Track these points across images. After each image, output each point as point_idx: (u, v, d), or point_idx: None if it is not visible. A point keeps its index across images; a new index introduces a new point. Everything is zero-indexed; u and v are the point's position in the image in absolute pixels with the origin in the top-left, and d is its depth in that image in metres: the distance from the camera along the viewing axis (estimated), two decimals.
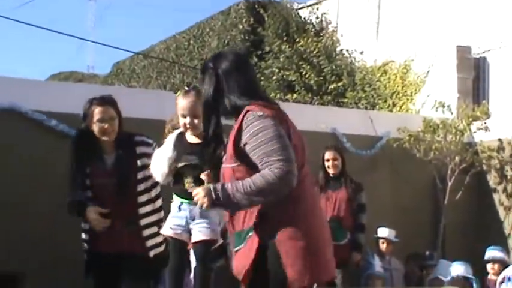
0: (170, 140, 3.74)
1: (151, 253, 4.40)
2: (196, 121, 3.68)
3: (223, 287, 5.18)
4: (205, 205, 2.91)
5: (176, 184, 3.74)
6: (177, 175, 3.73)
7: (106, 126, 4.33)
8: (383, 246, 7.46)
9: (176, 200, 3.77)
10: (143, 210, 4.38)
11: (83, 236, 4.53)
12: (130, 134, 4.51)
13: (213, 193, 2.86)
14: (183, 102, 3.74)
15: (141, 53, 16.79)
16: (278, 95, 11.77)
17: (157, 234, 4.41)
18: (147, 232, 4.38)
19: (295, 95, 11.52)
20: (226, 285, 5.54)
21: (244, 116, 2.88)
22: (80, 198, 4.34)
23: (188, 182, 3.68)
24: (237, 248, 2.98)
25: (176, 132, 3.74)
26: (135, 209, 4.38)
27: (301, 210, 2.91)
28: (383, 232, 7.50)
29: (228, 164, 2.93)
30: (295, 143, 2.94)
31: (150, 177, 4.41)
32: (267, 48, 12.71)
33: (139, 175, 4.42)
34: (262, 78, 12.46)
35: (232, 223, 3.01)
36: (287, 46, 12.14)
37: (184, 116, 3.72)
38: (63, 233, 6.03)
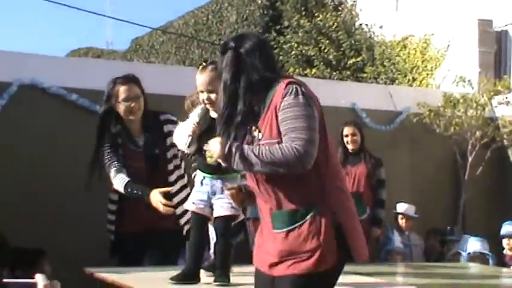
0: (196, 110, 3.73)
1: (186, 228, 4.40)
2: (213, 96, 3.67)
3: (243, 262, 5.22)
4: (215, 155, 2.90)
5: (200, 158, 3.74)
6: (199, 149, 3.73)
7: (132, 104, 4.28)
8: (402, 221, 7.45)
9: (199, 175, 3.78)
10: (174, 188, 4.37)
11: (109, 216, 4.53)
12: (155, 112, 4.48)
13: (227, 147, 2.85)
14: (200, 78, 3.73)
15: (159, 29, 16.78)
16: (297, 70, 11.74)
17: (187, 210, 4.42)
18: (180, 210, 4.38)
19: (314, 70, 11.48)
20: (245, 261, 5.60)
21: (286, 86, 2.83)
22: (137, 190, 4.24)
23: (210, 156, 3.68)
24: (290, 227, 2.87)
25: (203, 105, 3.73)
26: (166, 186, 4.35)
27: (344, 188, 2.93)
28: (402, 208, 7.48)
29: (269, 140, 2.85)
30: (322, 122, 2.93)
31: (177, 155, 4.42)
32: (286, 23, 12.66)
33: (169, 154, 4.42)
34: (280, 53, 12.42)
35: (278, 201, 2.91)
36: (306, 21, 12.08)
37: (201, 92, 3.72)
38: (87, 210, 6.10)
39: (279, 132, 2.83)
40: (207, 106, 3.70)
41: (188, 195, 4.27)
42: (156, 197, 4.12)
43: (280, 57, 12.48)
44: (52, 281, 1.45)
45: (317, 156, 2.79)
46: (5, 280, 1.43)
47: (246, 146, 2.84)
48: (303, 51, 11.90)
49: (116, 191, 4.40)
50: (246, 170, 2.89)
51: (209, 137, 3.66)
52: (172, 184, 4.37)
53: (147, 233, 4.39)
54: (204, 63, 3.81)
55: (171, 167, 4.44)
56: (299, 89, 2.82)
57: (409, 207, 7.47)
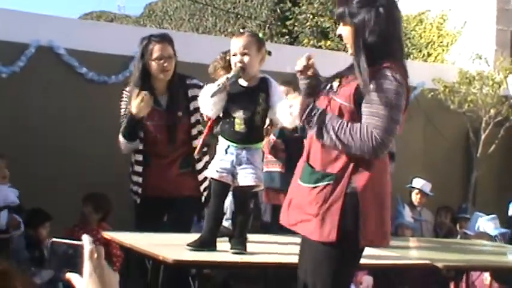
0: (226, 75, 3.72)
1: (205, 194, 4.42)
2: (246, 59, 3.67)
3: (257, 231, 5.26)
4: (294, 113, 2.98)
5: (226, 125, 3.74)
6: (226, 116, 3.73)
7: (165, 64, 4.26)
8: (416, 197, 7.45)
9: (223, 143, 3.78)
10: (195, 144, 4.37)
11: (134, 178, 4.49)
12: (183, 76, 4.47)
13: (309, 108, 2.86)
14: (236, 41, 3.73)
15: None
16: (312, 42, 11.67)
17: (206, 179, 4.44)
18: (201, 176, 4.40)
19: (328, 42, 11.41)
20: (259, 230, 5.63)
21: (381, 70, 2.82)
22: (126, 118, 4.32)
23: (238, 124, 3.69)
24: (306, 184, 2.97)
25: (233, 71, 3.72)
26: (188, 151, 4.37)
27: (383, 171, 2.95)
28: (419, 183, 7.48)
29: (341, 100, 2.88)
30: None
31: (200, 120, 4.42)
32: None
33: (193, 118, 4.41)
34: (295, 24, 12.34)
35: (309, 155, 3.00)
36: None
37: (235, 55, 3.72)
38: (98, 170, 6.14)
39: (354, 102, 2.83)
40: (239, 69, 3.68)
41: (208, 162, 4.31)
42: (133, 103, 4.18)
43: (295, 28, 12.41)
44: (97, 246, 1.46)
45: None
46: (53, 239, 1.45)
47: (330, 115, 2.85)
48: (318, 22, 11.82)
49: (140, 151, 4.41)
50: (318, 136, 2.90)
51: (237, 103, 3.67)
52: (195, 149, 4.37)
53: (169, 198, 4.39)
54: (242, 30, 3.83)
55: (194, 131, 4.44)
56: (395, 76, 2.79)
57: (426, 184, 7.47)
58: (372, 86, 2.78)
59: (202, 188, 4.45)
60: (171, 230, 4.27)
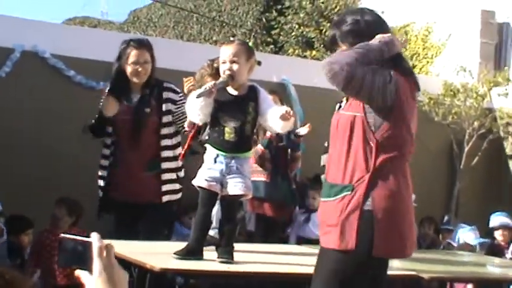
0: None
1: (165, 198, 4.49)
2: (235, 67, 3.65)
3: (242, 240, 5.24)
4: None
5: (215, 134, 3.73)
6: (216, 124, 3.71)
7: (140, 69, 4.43)
8: None
9: (211, 152, 3.76)
10: (165, 154, 4.49)
11: (100, 182, 4.59)
12: (161, 80, 4.60)
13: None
14: (225, 49, 3.73)
15: (159, 1, 16.64)
16: (296, 51, 11.68)
17: (174, 181, 4.49)
18: (165, 176, 4.47)
19: (314, 52, 11.43)
20: (244, 239, 5.62)
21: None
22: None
23: (228, 133, 3.67)
24: (326, 198, 3.03)
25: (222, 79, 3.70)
26: (156, 152, 4.46)
27: (401, 184, 2.96)
28: None
29: (352, 112, 2.96)
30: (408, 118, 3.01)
31: (172, 123, 4.50)
32: (287, 3, 12.59)
33: (164, 119, 4.51)
34: (281, 33, 12.36)
35: (328, 171, 3.08)
36: (308, 2, 12.02)
37: (224, 62, 3.71)
38: (83, 172, 6.08)
39: (364, 110, 2.93)
40: (227, 77, 3.67)
41: (178, 168, 4.38)
42: (107, 101, 4.40)
43: (281, 38, 12.43)
44: (107, 243, 1.44)
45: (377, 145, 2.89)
46: (62, 235, 1.43)
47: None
48: (304, 32, 11.84)
49: (108, 145, 4.58)
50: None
51: (227, 112, 3.65)
52: (163, 149, 4.47)
53: (140, 205, 4.45)
54: (232, 38, 3.85)
55: (164, 131, 4.53)
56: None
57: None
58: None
59: (163, 189, 4.50)
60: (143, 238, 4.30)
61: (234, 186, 3.70)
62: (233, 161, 3.71)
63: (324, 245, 3.02)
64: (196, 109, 3.64)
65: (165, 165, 4.54)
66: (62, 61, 6.48)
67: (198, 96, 3.58)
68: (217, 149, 3.73)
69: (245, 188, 3.73)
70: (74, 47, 6.62)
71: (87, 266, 1.41)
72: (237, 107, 3.69)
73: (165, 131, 4.57)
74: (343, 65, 2.83)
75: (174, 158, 4.58)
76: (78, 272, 1.44)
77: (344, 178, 2.94)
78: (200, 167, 3.82)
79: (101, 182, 4.64)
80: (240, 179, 3.68)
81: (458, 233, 6.96)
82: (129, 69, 4.45)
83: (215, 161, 3.73)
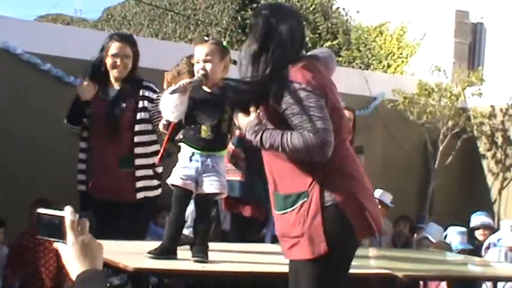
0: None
1: (140, 195, 4.46)
2: (208, 67, 3.64)
3: (217, 239, 5.21)
4: (242, 127, 2.99)
5: (191, 132, 3.70)
6: (191, 122, 3.69)
7: (118, 62, 4.42)
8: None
9: (186, 150, 3.72)
10: (138, 150, 4.47)
11: (79, 166, 4.62)
12: (141, 79, 4.59)
13: (253, 130, 2.89)
14: (200, 48, 3.72)
15: None
16: None
17: (151, 177, 4.46)
18: (140, 173, 4.46)
19: None
20: (219, 238, 5.59)
21: (288, 83, 2.83)
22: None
23: (205, 130, 3.65)
24: (283, 211, 2.96)
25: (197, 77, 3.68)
26: (130, 147, 4.44)
27: (351, 171, 2.94)
28: (377, 193, 7.50)
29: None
30: (337, 105, 2.93)
31: (147, 120, 4.47)
32: (263, 2, 12.55)
33: (138, 115, 4.49)
34: None
35: (275, 183, 3.00)
36: (283, 1, 12.00)
37: (198, 62, 3.69)
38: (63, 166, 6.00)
39: (275, 120, 2.86)
40: (201, 76, 3.65)
41: (153, 164, 4.37)
42: (84, 85, 4.43)
43: None
44: (81, 218, 1.49)
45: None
46: (39, 210, 1.53)
47: (269, 133, 2.85)
48: None
49: (84, 138, 4.58)
50: (265, 148, 2.93)
51: (203, 110, 3.63)
52: (137, 145, 4.47)
53: (116, 202, 4.43)
54: (206, 38, 3.83)
55: (140, 127, 4.51)
56: (303, 85, 2.80)
57: (386, 194, 7.50)
58: (286, 99, 2.81)
59: (137, 185, 4.48)
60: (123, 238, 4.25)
61: (210, 185, 3.67)
62: (209, 159, 3.68)
63: (295, 257, 2.95)
64: (170, 106, 3.62)
65: (139, 161, 4.53)
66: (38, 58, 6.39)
67: (172, 92, 3.55)
68: (192, 147, 3.69)
69: (220, 186, 3.71)
70: (47, 44, 6.53)
71: (64, 238, 1.53)
72: (214, 105, 3.67)
73: (139, 127, 4.55)
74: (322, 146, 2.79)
75: (151, 154, 4.56)
76: (56, 244, 1.56)
77: (297, 186, 2.89)
78: (175, 166, 3.78)
79: (81, 176, 4.63)
80: (216, 177, 3.66)
81: (448, 230, 6.98)
82: (108, 61, 4.48)
83: (190, 160, 3.69)
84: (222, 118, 3.67)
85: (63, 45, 6.55)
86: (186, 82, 3.59)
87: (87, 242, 1.47)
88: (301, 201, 2.87)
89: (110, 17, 18.26)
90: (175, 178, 3.71)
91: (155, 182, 4.60)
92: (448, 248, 6.65)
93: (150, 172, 4.56)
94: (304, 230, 2.85)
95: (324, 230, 2.83)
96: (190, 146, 3.70)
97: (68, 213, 1.48)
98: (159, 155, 4.22)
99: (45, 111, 6.19)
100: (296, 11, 3.28)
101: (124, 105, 4.52)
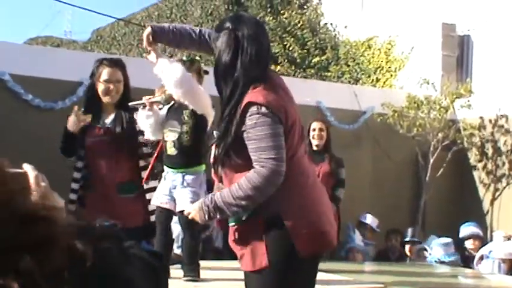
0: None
1: (152, 218, 4.39)
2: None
3: (210, 257, 5.19)
4: (201, 222, 2.92)
5: (164, 150, 3.72)
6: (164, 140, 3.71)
7: (111, 87, 4.37)
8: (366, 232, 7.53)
9: (165, 169, 3.74)
10: (146, 185, 4.36)
11: (73, 185, 4.47)
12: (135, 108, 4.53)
13: (204, 211, 2.80)
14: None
15: (122, 19, 16.57)
16: None
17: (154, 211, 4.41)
18: (148, 196, 4.38)
19: (278, 67, 11.46)
20: (211, 256, 5.57)
21: (245, 106, 2.78)
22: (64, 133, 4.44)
23: (169, 147, 3.67)
24: (233, 223, 2.93)
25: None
26: (133, 178, 4.33)
27: (300, 184, 2.89)
28: (367, 219, 7.54)
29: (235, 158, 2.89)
30: (295, 121, 2.91)
31: (148, 155, 4.41)
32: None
33: (141, 150, 4.41)
34: None
35: None
36: (271, 18, 12.06)
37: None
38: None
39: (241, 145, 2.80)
40: (160, 97, 3.68)
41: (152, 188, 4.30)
42: (71, 117, 4.30)
43: None
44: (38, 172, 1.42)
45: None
46: None
47: (218, 196, 2.79)
48: None
49: (79, 169, 4.44)
50: (233, 215, 2.84)
51: (167, 125, 3.63)
52: (143, 169, 4.36)
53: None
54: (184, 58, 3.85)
55: (141, 151, 4.45)
56: (259, 108, 2.75)
57: (373, 219, 7.53)
58: (247, 125, 2.77)
59: (150, 209, 4.42)
60: None
61: (182, 202, 3.67)
62: (179, 176, 3.68)
63: (243, 268, 2.93)
64: (142, 124, 3.64)
65: (149, 195, 4.44)
66: (22, 82, 6.39)
67: (132, 105, 3.59)
68: (166, 165, 3.72)
69: (194, 201, 3.71)
70: (37, 67, 6.54)
71: None
72: (175, 118, 3.68)
73: (141, 150, 4.49)
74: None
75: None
76: None
77: None
78: None
79: (73, 196, 4.53)
80: (189, 193, 3.65)
81: (432, 243, 6.97)
82: (100, 87, 4.40)
83: (165, 178, 3.71)
84: (181, 131, 3.66)
85: (53, 68, 6.55)
86: (147, 98, 3.61)
87: (52, 199, 1.41)
88: (248, 215, 2.85)
89: (99, 38, 18.32)
90: (154, 198, 3.73)
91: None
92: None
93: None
94: (248, 242, 2.85)
95: (266, 243, 2.81)
96: (165, 165, 3.72)
97: (29, 169, 1.40)
98: (147, 173, 4.19)
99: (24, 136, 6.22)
100: (258, 20, 3.19)
101: (119, 129, 4.44)
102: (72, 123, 4.35)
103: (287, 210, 2.82)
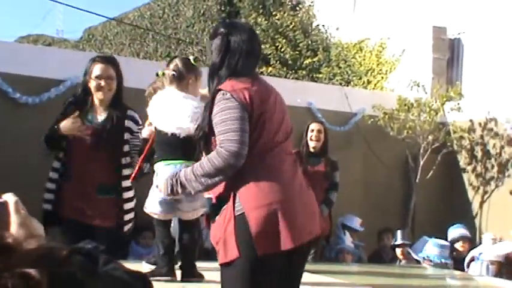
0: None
1: (126, 227, 4.39)
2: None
3: (199, 258, 5.20)
4: (165, 194, 3.10)
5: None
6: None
7: (102, 84, 4.34)
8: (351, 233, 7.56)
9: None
10: (125, 183, 4.36)
11: (48, 185, 4.46)
12: (126, 106, 4.53)
13: (168, 184, 2.97)
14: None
15: (114, 19, 16.55)
16: None
17: (132, 210, 4.41)
18: (127, 206, 4.36)
19: (270, 69, 11.50)
20: (201, 257, 5.58)
21: (216, 93, 2.95)
22: (53, 128, 4.41)
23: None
24: (213, 219, 2.99)
25: None
26: (108, 177, 4.33)
27: (272, 180, 2.92)
28: (349, 221, 7.55)
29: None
30: (273, 115, 2.98)
31: (129, 152, 4.42)
32: (243, 21, 12.63)
33: (125, 148, 4.40)
34: None
35: (214, 195, 3.03)
36: (263, 19, 12.09)
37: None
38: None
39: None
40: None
41: (134, 196, 4.34)
42: (65, 121, 4.28)
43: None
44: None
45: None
46: None
47: (182, 172, 2.96)
48: None
49: (60, 158, 4.44)
50: (196, 192, 3.02)
51: None
52: (125, 178, 4.37)
53: (87, 226, 4.30)
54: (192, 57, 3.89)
55: (124, 161, 4.43)
56: (227, 95, 2.91)
57: (354, 219, 7.53)
58: (214, 111, 2.94)
59: (125, 218, 4.39)
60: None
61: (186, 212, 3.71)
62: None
63: (219, 262, 2.98)
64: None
65: (126, 194, 4.43)
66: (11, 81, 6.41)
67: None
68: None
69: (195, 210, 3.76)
70: (26, 66, 6.55)
71: (6, 225, 1.36)
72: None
73: (127, 159, 4.47)
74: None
75: (132, 187, 4.50)
76: None
77: (217, 193, 2.96)
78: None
79: (49, 195, 4.49)
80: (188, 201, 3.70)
81: (427, 243, 6.99)
82: (92, 84, 4.38)
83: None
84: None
85: (45, 66, 6.56)
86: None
87: (32, 222, 1.36)
88: (224, 207, 2.92)
89: (91, 37, 18.28)
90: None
91: (133, 215, 4.54)
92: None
93: (132, 205, 4.50)
94: (222, 235, 2.91)
95: (236, 237, 2.86)
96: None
97: (10, 197, 1.41)
98: (133, 174, 4.20)
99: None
100: (250, 27, 3.33)
101: (111, 133, 4.42)
102: (67, 128, 4.30)
103: (253, 206, 2.87)
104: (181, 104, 3.86)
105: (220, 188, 2.95)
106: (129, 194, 4.40)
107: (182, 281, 3.65)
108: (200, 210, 3.74)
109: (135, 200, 4.52)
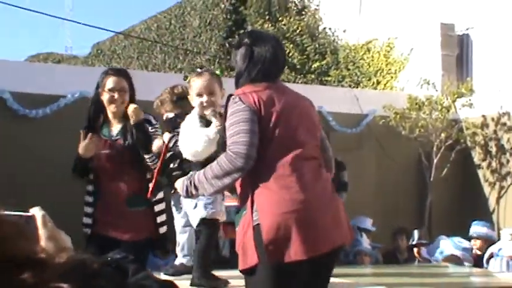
0: (195, 120, 3.66)
1: (162, 229, 4.38)
2: (213, 98, 3.69)
3: (217, 266, 5.19)
4: (180, 193, 3.16)
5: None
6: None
7: (116, 96, 4.32)
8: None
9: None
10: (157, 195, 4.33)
11: (86, 209, 4.44)
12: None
13: (184, 185, 3.04)
14: (198, 82, 3.73)
15: (121, 33, 16.62)
16: None
17: (164, 223, 4.39)
18: (157, 208, 4.36)
19: None
20: (218, 265, 5.56)
21: (228, 100, 3.04)
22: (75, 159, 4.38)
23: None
24: (237, 227, 3.00)
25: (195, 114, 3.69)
26: (141, 188, 4.29)
27: (287, 189, 2.91)
28: (359, 222, 7.50)
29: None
30: (289, 122, 2.97)
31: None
32: (249, 28, 12.63)
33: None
34: None
35: (238, 201, 3.08)
36: (269, 25, 12.10)
37: (200, 95, 3.69)
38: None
39: None
40: (205, 110, 3.66)
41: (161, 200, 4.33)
42: (81, 145, 4.26)
43: None
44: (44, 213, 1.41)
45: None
46: (2, 212, 1.39)
47: (195, 175, 3.00)
48: None
49: (91, 181, 4.42)
50: (208, 193, 3.08)
51: None
52: (149, 181, 4.33)
53: (115, 241, 4.27)
54: (199, 70, 3.87)
55: (145, 162, 4.40)
56: (236, 99, 2.97)
57: (365, 220, 7.48)
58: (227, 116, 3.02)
59: (161, 231, 4.38)
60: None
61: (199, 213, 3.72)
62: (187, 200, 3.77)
63: (239, 268, 3.01)
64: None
65: (157, 207, 4.41)
66: (23, 100, 6.44)
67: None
68: None
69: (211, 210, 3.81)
70: (36, 84, 6.58)
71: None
72: None
73: (155, 164, 4.43)
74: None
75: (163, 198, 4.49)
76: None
77: (241, 200, 3.01)
78: None
79: (87, 220, 4.42)
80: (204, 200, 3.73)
81: (440, 244, 6.93)
82: (105, 97, 4.34)
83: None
84: None
85: (53, 83, 6.57)
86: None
87: (60, 236, 1.32)
88: (244, 212, 2.94)
89: (99, 52, 18.37)
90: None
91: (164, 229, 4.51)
92: (457, 261, 6.60)
93: (164, 217, 4.48)
94: (241, 242, 2.94)
95: (255, 242, 2.87)
96: None
97: (37, 211, 1.40)
98: (151, 188, 4.15)
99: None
100: (274, 36, 3.41)
101: (127, 143, 4.41)
102: (86, 150, 4.25)
103: (266, 218, 2.88)
104: (195, 135, 3.73)
105: (241, 195, 2.98)
106: (159, 206, 4.38)
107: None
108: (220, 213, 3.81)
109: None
